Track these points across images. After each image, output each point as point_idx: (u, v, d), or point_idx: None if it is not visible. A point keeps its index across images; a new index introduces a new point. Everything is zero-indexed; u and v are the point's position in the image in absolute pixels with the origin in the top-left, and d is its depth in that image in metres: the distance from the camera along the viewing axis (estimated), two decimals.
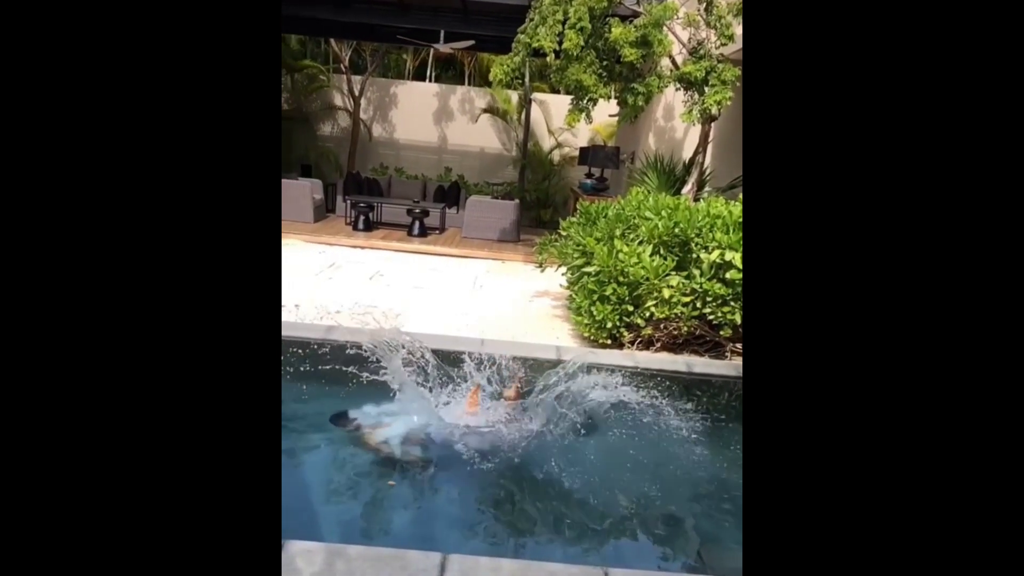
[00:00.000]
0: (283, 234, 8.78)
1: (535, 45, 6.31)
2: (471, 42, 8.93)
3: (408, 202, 10.07)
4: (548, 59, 6.36)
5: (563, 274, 5.64)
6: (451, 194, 11.12)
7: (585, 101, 6.75)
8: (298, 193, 9.72)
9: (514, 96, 13.05)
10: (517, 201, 10.22)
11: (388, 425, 3.32)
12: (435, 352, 4.03)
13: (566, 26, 6.16)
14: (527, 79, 11.99)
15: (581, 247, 5.13)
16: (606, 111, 10.60)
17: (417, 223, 9.60)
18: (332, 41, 12.73)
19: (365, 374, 3.35)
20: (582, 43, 6.14)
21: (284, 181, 9.85)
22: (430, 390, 3.59)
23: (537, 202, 12.67)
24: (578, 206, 5.85)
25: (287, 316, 5.13)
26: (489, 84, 13.31)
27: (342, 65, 12.68)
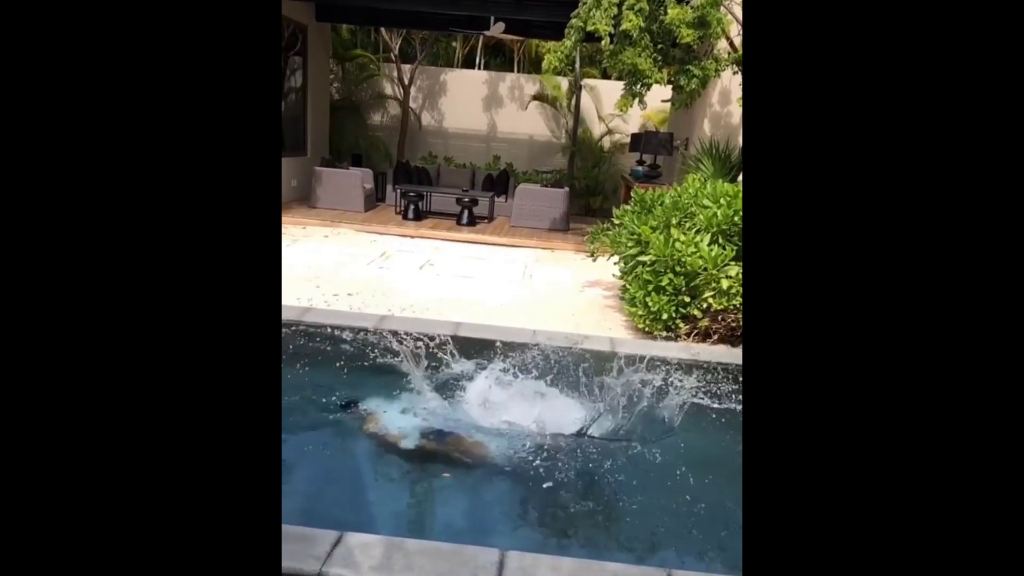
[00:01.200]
0: (334, 223, 8.89)
1: (589, 28, 6.15)
2: (503, 26, 8.79)
3: (457, 191, 10.06)
4: (603, 43, 6.19)
5: (615, 263, 5.52)
6: (500, 182, 11.06)
7: (639, 86, 6.57)
8: (349, 182, 9.81)
9: (564, 82, 12.87)
10: (567, 189, 10.09)
11: (402, 417, 3.29)
12: (486, 343, 4.00)
13: (623, 7, 5.99)
14: (577, 65, 11.80)
15: (636, 236, 5.00)
16: (658, 96, 10.34)
17: (466, 212, 9.58)
18: (382, 30, 12.78)
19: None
20: (642, 24, 5.96)
21: (335, 171, 9.96)
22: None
23: (586, 190, 12.50)
24: (632, 194, 5.71)
25: (342, 304, 5.17)
26: (539, 70, 13.16)
27: (392, 54, 12.73)
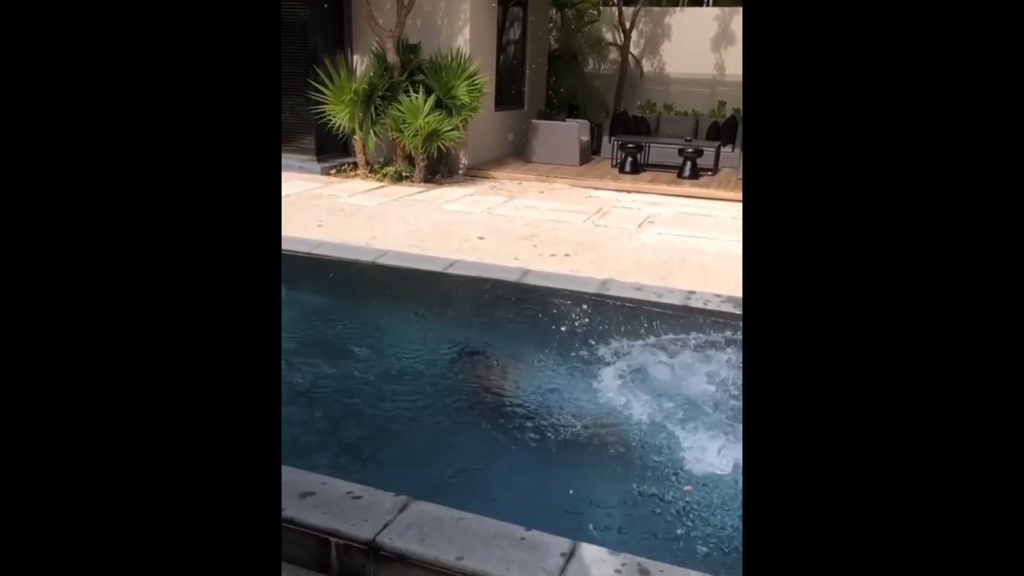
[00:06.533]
0: (549, 178, 8.72)
1: None
2: None
3: (679, 141, 9.33)
4: None
5: None
6: (726, 131, 10.06)
7: None
8: (565, 135, 9.57)
9: None
10: None
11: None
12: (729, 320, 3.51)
13: None
14: None
15: None
16: None
17: (689, 164, 8.85)
18: None
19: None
20: None
21: (551, 123, 9.77)
22: None
23: None
24: None
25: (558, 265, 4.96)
26: None
27: None
